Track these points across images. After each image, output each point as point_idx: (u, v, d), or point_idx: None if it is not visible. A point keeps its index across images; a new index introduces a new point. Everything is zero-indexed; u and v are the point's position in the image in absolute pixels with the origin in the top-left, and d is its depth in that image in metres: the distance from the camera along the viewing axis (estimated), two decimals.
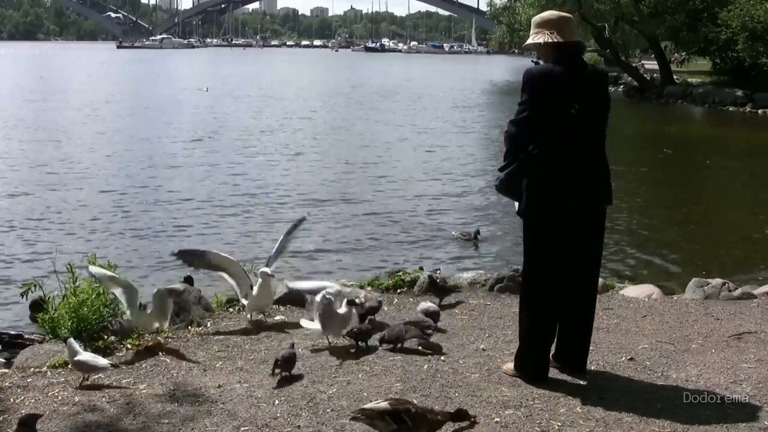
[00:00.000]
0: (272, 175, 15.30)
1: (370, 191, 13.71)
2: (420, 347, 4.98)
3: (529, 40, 4.39)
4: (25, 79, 45.11)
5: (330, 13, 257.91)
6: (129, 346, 5.11)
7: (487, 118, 27.96)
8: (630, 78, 39.21)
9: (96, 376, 4.51)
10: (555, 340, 4.45)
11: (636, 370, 4.61)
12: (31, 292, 5.97)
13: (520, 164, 4.27)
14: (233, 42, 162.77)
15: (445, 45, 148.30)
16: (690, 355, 4.87)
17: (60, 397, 4.30)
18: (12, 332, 5.90)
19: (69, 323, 5.34)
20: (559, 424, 3.87)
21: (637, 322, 5.66)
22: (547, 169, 4.20)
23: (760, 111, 29.32)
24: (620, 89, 37.34)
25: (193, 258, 5.88)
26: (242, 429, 3.86)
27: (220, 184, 14.18)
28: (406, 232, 10.81)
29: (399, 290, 6.50)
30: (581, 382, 4.40)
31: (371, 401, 3.88)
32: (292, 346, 4.69)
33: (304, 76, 55.80)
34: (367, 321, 5.20)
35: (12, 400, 4.27)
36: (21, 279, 7.72)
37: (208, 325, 5.69)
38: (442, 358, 4.80)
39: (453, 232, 10.49)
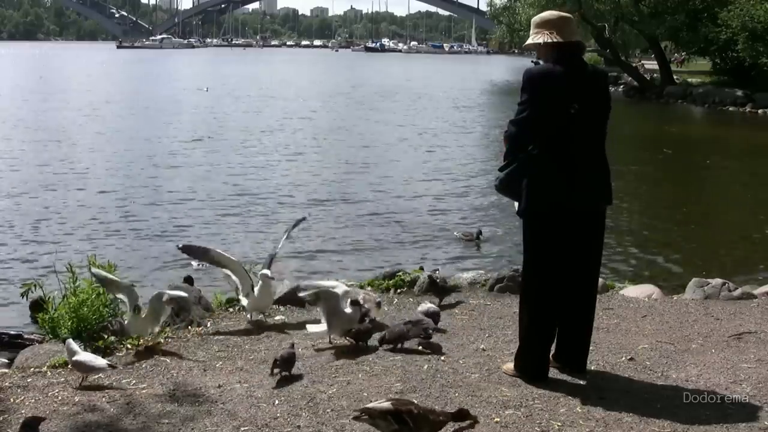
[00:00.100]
0: (272, 175, 15.29)
1: (370, 191, 13.70)
2: (420, 347, 4.98)
3: (529, 40, 4.38)
4: (25, 79, 45.11)
5: (330, 13, 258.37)
6: (129, 346, 5.11)
7: (488, 118, 27.97)
8: (630, 78, 39.21)
9: (96, 376, 4.51)
10: (555, 340, 4.45)
11: (636, 370, 4.61)
12: (31, 292, 5.98)
13: (520, 164, 4.27)
14: (233, 42, 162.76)
15: (445, 45, 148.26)
16: (690, 355, 4.87)
17: (60, 397, 4.30)
18: (12, 332, 5.90)
19: (69, 323, 5.35)
20: (559, 424, 3.87)
21: (637, 322, 5.66)
22: (547, 169, 4.20)
23: (760, 111, 29.32)
24: (620, 89, 37.33)
25: (197, 253, 6.15)
26: (242, 429, 3.86)
27: (220, 184, 14.18)
28: (407, 232, 10.80)
29: (399, 290, 6.51)
30: (581, 382, 4.39)
31: (371, 401, 3.88)
32: (292, 346, 4.69)
33: (304, 76, 55.81)
34: (367, 321, 5.20)
35: (12, 400, 4.27)
36: (21, 279, 7.72)
37: (208, 325, 5.69)
38: (442, 358, 4.80)
39: (455, 233, 10.48)
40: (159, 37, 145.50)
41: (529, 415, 3.95)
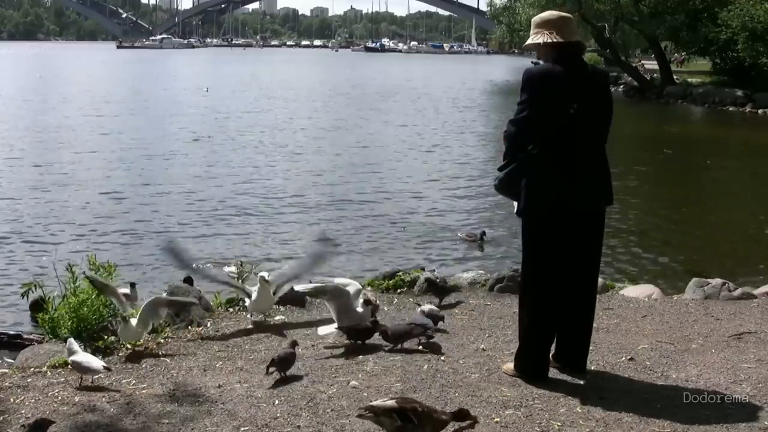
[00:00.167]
0: (272, 175, 15.29)
1: (371, 191, 13.70)
2: (420, 347, 4.98)
3: (529, 41, 4.38)
4: (25, 79, 45.10)
5: (330, 13, 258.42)
6: (129, 346, 5.11)
7: (488, 118, 27.97)
8: (630, 78, 39.22)
9: (96, 377, 4.51)
10: (555, 340, 4.45)
11: (636, 370, 4.61)
12: (32, 292, 5.99)
13: (520, 164, 4.27)
14: (233, 42, 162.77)
15: (445, 45, 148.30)
16: (690, 355, 4.87)
17: (60, 397, 4.30)
18: (11, 332, 5.91)
19: (69, 323, 5.35)
20: (559, 424, 3.87)
21: (637, 322, 5.66)
22: (547, 169, 4.20)
23: (760, 111, 29.33)
24: (620, 89, 37.32)
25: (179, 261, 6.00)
26: (242, 429, 3.86)
27: (220, 183, 14.17)
28: (409, 232, 10.78)
29: (399, 290, 6.51)
30: (581, 382, 4.39)
31: (371, 401, 3.88)
32: (293, 345, 4.68)
33: (304, 76, 55.80)
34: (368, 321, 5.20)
35: (12, 400, 4.27)
36: (21, 279, 7.72)
37: (208, 325, 5.69)
38: (442, 358, 4.80)
39: (458, 233, 10.47)
40: (159, 37, 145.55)
41: (529, 415, 3.95)
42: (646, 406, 4.06)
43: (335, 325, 5.20)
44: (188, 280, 6.75)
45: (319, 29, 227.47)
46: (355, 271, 8.68)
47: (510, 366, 4.51)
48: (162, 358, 4.94)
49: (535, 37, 4.32)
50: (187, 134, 21.06)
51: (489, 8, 51.64)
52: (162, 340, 5.29)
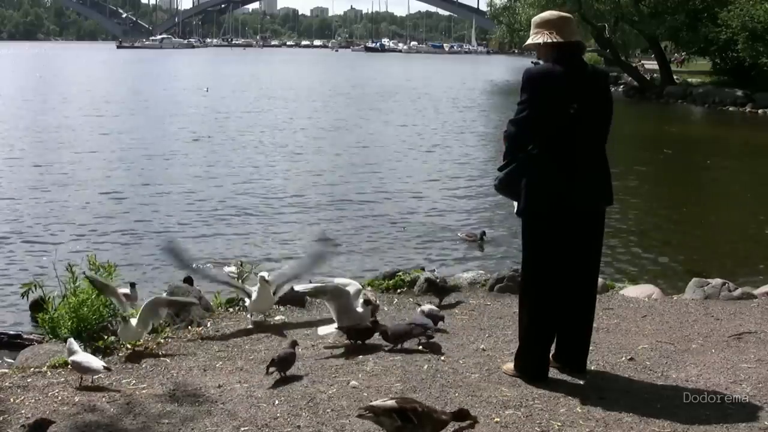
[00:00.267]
0: (272, 175, 15.29)
1: (371, 191, 13.69)
2: (420, 347, 4.98)
3: (529, 41, 4.38)
4: (25, 79, 45.09)
5: (330, 13, 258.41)
6: (129, 346, 5.11)
7: (488, 118, 27.97)
8: (630, 78, 39.22)
9: (96, 377, 4.51)
10: (555, 340, 4.45)
11: (636, 370, 4.61)
12: (32, 292, 5.99)
13: (520, 164, 4.27)
14: (233, 42, 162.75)
15: (445, 45, 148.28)
16: (690, 355, 4.87)
17: (60, 397, 4.30)
18: (11, 332, 5.91)
19: (69, 323, 5.35)
20: (559, 424, 3.87)
21: (637, 322, 5.66)
22: (547, 169, 4.20)
23: (760, 111, 29.33)
24: (620, 89, 37.32)
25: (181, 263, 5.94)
26: (242, 429, 3.86)
27: (220, 183, 14.18)
28: (410, 232, 10.77)
29: (399, 290, 6.51)
30: (581, 382, 4.39)
31: (371, 401, 3.88)
32: (293, 345, 4.68)
33: (304, 76, 55.80)
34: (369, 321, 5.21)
35: (12, 400, 4.27)
36: (21, 279, 7.72)
37: (208, 325, 5.69)
38: (442, 358, 4.80)
39: (458, 233, 10.47)
40: (159, 37, 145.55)
41: (529, 415, 3.95)
42: (646, 406, 4.05)
43: (335, 325, 5.20)
44: (188, 280, 6.75)
45: (319, 29, 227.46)
46: (355, 271, 8.68)
47: (510, 366, 4.51)
48: (162, 358, 4.94)
49: (535, 37, 4.32)
50: (187, 134, 21.07)
51: (489, 8, 51.64)
52: (162, 340, 5.29)
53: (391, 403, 3.60)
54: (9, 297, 7.67)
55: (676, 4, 34.07)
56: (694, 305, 6.15)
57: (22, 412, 4.10)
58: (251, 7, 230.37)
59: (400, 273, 6.76)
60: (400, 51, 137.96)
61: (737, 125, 27.40)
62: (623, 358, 4.79)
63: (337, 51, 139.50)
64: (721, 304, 6.20)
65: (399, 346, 4.94)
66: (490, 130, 23.11)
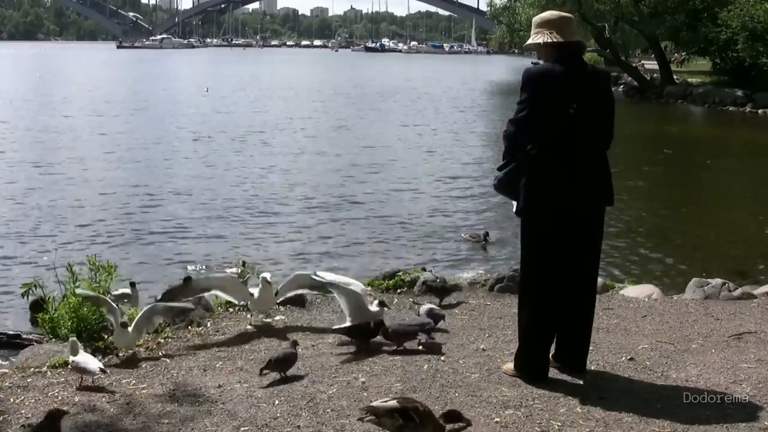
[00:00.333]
0: (273, 175, 15.29)
1: (373, 192, 13.68)
2: (420, 347, 4.98)
3: (530, 41, 4.38)
4: (25, 79, 45.10)
5: (330, 13, 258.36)
6: (123, 352, 5.09)
7: (488, 118, 27.96)
8: (630, 78, 39.21)
9: (95, 377, 4.51)
10: (555, 340, 4.45)
11: (636, 370, 4.61)
12: (32, 292, 5.98)
13: (519, 164, 4.27)
14: (233, 42, 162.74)
15: (445, 45, 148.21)
16: (690, 355, 4.87)
17: (60, 397, 4.30)
18: (11, 332, 5.91)
19: (69, 323, 5.35)
20: (559, 424, 3.87)
21: (637, 322, 5.66)
22: (546, 169, 4.20)
23: (760, 111, 29.32)
24: (620, 89, 37.30)
25: (179, 294, 5.55)
26: (242, 429, 3.86)
27: (220, 183, 14.17)
28: (411, 233, 10.75)
29: (399, 290, 6.51)
30: (581, 382, 4.39)
31: (371, 401, 3.88)
32: (293, 345, 4.68)
33: (304, 76, 55.79)
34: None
35: (12, 400, 4.27)
36: (21, 279, 7.71)
37: (208, 325, 5.69)
38: (442, 358, 4.80)
39: (462, 234, 10.45)
40: (159, 37, 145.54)
41: (529, 415, 3.95)
42: (646, 406, 4.06)
43: (348, 322, 5.17)
44: (188, 281, 6.74)
45: (319, 29, 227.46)
46: (356, 270, 8.67)
47: (510, 366, 4.51)
48: (162, 358, 4.94)
49: (536, 37, 4.32)
50: (187, 134, 21.07)
51: (489, 8, 51.62)
52: (162, 340, 5.29)
53: (393, 402, 3.60)
54: (9, 297, 7.67)
55: (676, 4, 34.07)
56: (694, 305, 6.15)
57: (22, 412, 4.10)
58: (251, 7, 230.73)
59: (400, 273, 6.76)
60: (400, 51, 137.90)
61: (737, 125, 27.40)
62: (623, 358, 4.79)
63: (337, 51, 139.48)
64: (721, 304, 6.20)
65: (402, 347, 4.93)
66: (490, 130, 23.11)
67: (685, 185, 15.67)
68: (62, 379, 4.57)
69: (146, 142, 19.71)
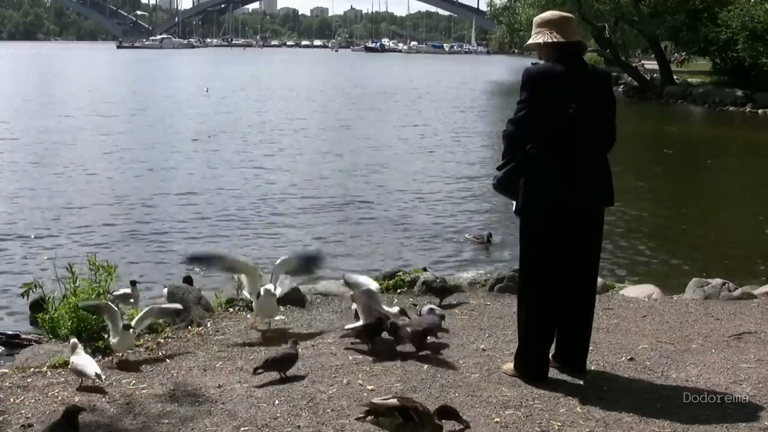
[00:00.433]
0: (273, 175, 15.28)
1: (374, 192, 13.67)
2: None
3: (530, 40, 4.39)
4: (25, 79, 45.09)
5: (330, 13, 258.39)
6: (121, 354, 5.08)
7: (489, 118, 27.96)
8: (630, 78, 39.21)
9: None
10: (555, 340, 4.45)
11: (636, 370, 4.61)
12: (32, 292, 5.98)
13: (518, 163, 4.27)
14: (233, 42, 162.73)
15: (445, 45, 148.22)
16: (690, 355, 4.87)
17: (60, 397, 4.30)
18: (10, 332, 5.90)
19: (69, 323, 5.34)
20: (559, 424, 3.87)
21: (637, 322, 5.66)
22: (546, 169, 4.20)
23: (760, 111, 29.32)
24: (620, 89, 37.29)
25: (207, 262, 6.00)
26: (242, 429, 3.86)
27: (221, 184, 14.17)
28: (413, 233, 10.72)
29: (399, 290, 6.50)
30: (581, 382, 4.40)
31: (371, 401, 3.88)
32: (294, 345, 4.67)
33: (304, 76, 55.79)
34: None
35: (12, 400, 4.27)
36: (21, 279, 7.71)
37: (208, 325, 5.69)
38: (442, 358, 4.80)
39: (465, 235, 10.43)
40: (159, 37, 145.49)
41: (529, 415, 3.95)
42: (646, 406, 4.06)
43: (361, 321, 5.15)
44: (188, 280, 6.75)
45: (319, 29, 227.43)
46: (357, 270, 8.66)
47: (510, 366, 4.51)
48: (162, 358, 4.94)
49: (536, 37, 4.33)
50: (187, 134, 21.06)
51: (489, 8, 51.65)
52: (162, 340, 5.29)
53: (393, 401, 3.61)
54: (9, 297, 7.66)
55: (676, 4, 34.07)
56: (694, 305, 6.14)
57: (22, 412, 4.10)
58: (251, 7, 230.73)
59: (400, 273, 6.76)
60: (400, 51, 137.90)
61: (737, 125, 27.39)
62: (623, 358, 4.79)
63: (337, 51, 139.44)
64: (721, 304, 6.20)
65: (424, 351, 4.89)
66: (491, 130, 23.09)
67: (685, 185, 15.66)
68: (62, 379, 4.57)
69: (146, 142, 19.71)
